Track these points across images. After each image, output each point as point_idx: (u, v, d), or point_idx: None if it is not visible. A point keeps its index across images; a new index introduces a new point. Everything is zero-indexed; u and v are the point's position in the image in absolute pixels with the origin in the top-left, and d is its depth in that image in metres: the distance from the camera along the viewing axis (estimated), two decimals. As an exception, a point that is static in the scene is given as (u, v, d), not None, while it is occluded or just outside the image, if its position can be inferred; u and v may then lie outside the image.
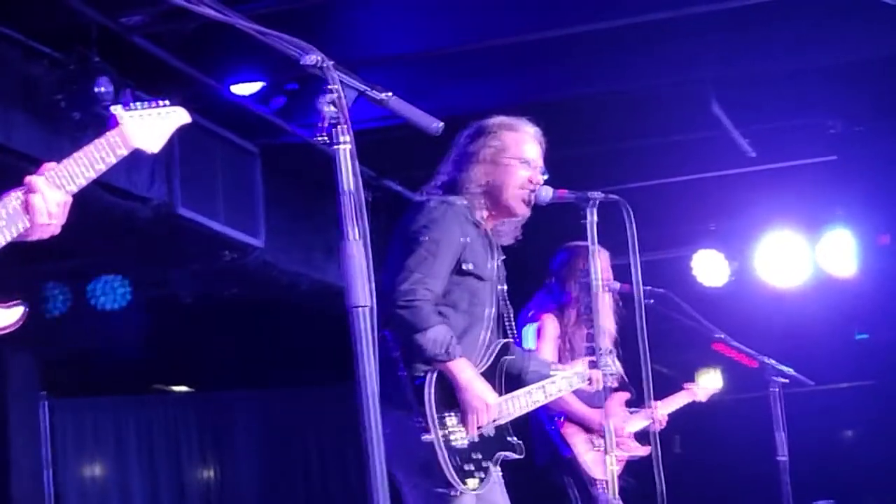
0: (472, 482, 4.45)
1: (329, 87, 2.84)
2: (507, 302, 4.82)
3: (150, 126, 3.50)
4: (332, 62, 2.85)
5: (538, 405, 4.95)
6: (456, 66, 7.63)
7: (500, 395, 4.66)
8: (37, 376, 10.67)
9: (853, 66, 7.83)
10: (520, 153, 4.77)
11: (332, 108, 2.84)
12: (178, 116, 3.61)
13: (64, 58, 6.60)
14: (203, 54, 7.14)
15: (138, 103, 3.48)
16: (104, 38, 6.64)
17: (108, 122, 3.43)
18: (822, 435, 12.36)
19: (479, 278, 4.65)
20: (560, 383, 5.01)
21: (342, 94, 2.84)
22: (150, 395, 12.89)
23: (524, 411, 4.83)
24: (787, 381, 6.86)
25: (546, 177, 4.83)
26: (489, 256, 4.72)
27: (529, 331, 6.37)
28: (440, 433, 4.40)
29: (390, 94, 2.98)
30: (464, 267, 4.59)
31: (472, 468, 4.47)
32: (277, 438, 12.57)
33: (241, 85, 7.52)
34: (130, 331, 10.82)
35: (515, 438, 4.70)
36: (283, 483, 12.46)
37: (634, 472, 6.47)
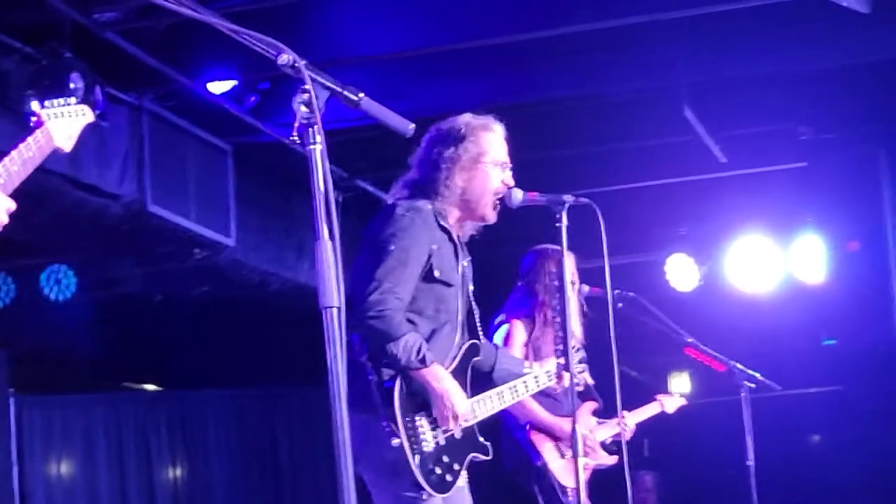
0: (440, 485, 4.46)
1: (302, 87, 2.84)
2: (474, 302, 4.82)
3: (65, 125, 3.52)
4: (305, 62, 2.85)
5: (507, 405, 4.95)
6: (429, 67, 7.64)
7: (469, 397, 4.66)
8: (4, 372, 10.61)
9: (824, 74, 7.87)
10: (497, 156, 4.74)
11: (305, 108, 2.84)
12: (85, 116, 3.62)
13: (36, 53, 6.56)
14: (176, 52, 7.12)
15: (54, 101, 3.50)
16: (77, 34, 6.61)
17: (32, 123, 3.48)
18: (789, 440, 12.41)
19: (447, 284, 4.64)
20: (530, 382, 5.01)
21: (315, 95, 2.84)
22: (120, 393, 12.84)
23: (494, 412, 4.84)
24: (754, 385, 6.89)
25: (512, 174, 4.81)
26: (457, 260, 4.71)
27: (498, 336, 6.37)
28: (409, 437, 4.40)
29: (363, 95, 2.98)
30: (433, 274, 4.57)
31: (441, 471, 4.47)
32: (247, 438, 12.53)
33: (214, 83, 7.50)
34: (99, 328, 10.78)
35: (483, 439, 4.70)
36: (253, 483, 12.43)
37: (604, 475, 6.49)
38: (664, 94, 8.00)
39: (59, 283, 9.95)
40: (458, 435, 4.55)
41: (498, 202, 4.74)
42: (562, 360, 4.97)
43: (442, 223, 4.65)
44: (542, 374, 5.06)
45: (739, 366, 6.90)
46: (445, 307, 4.65)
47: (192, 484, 12.35)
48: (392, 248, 4.48)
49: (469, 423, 4.62)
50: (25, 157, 3.32)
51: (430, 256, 4.56)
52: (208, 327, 11.21)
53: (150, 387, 13.40)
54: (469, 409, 4.57)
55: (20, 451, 10.79)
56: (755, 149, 9.20)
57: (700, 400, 12.42)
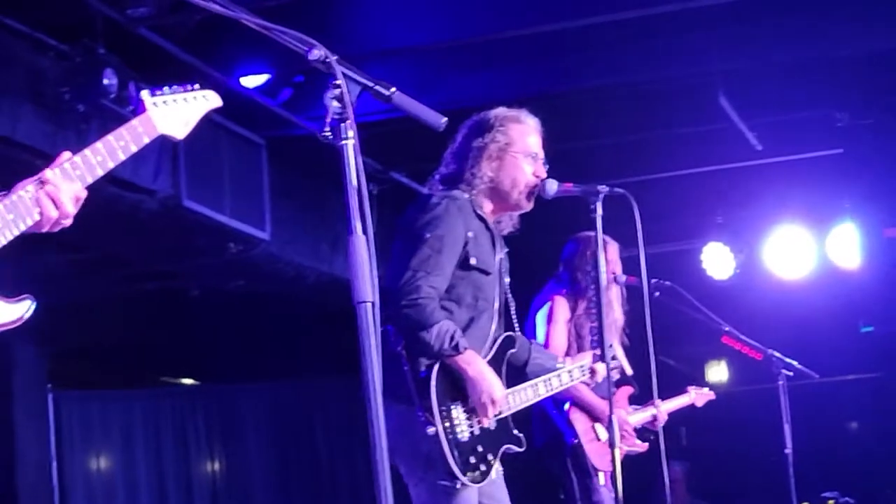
0: (474, 475, 4.47)
1: (334, 82, 2.84)
2: (510, 295, 4.83)
3: (177, 111, 3.37)
4: (336, 57, 2.85)
5: (541, 398, 4.96)
6: (461, 58, 7.62)
7: (505, 388, 4.66)
8: (43, 368, 10.69)
9: (860, 59, 7.81)
10: (526, 147, 4.78)
11: (337, 103, 2.85)
12: (207, 101, 3.47)
13: (70, 50, 6.59)
14: (209, 46, 7.14)
15: (166, 88, 3.36)
16: (110, 30, 6.64)
17: (136, 109, 3.36)
18: (827, 427, 12.37)
19: (485, 272, 4.66)
20: (563, 377, 5.02)
21: (347, 90, 2.84)
22: (157, 388, 12.91)
23: (527, 404, 4.85)
24: (792, 373, 6.88)
25: (547, 167, 4.83)
26: (494, 250, 4.73)
27: (541, 313, 6.36)
28: (444, 426, 4.41)
29: (394, 89, 2.97)
30: (469, 262, 4.59)
31: (476, 461, 4.49)
32: (284, 431, 12.58)
33: (247, 77, 7.51)
34: (137, 323, 10.83)
35: (517, 431, 4.71)
36: (290, 475, 12.47)
37: (633, 463, 6.48)
38: (699, 81, 7.96)
39: None
40: (492, 426, 4.56)
41: (532, 192, 4.76)
42: (597, 351, 4.96)
43: (479, 212, 4.67)
44: (575, 368, 5.07)
45: (777, 354, 6.89)
46: (483, 296, 4.67)
47: (230, 476, 12.41)
48: (427, 235, 4.51)
49: (503, 414, 4.63)
50: (113, 146, 3.14)
51: (466, 244, 4.59)
52: (244, 321, 11.25)
53: (188, 381, 13.48)
54: (504, 395, 4.58)
55: (59, 446, 10.87)
56: (791, 136, 9.15)
57: (738, 388, 12.41)
